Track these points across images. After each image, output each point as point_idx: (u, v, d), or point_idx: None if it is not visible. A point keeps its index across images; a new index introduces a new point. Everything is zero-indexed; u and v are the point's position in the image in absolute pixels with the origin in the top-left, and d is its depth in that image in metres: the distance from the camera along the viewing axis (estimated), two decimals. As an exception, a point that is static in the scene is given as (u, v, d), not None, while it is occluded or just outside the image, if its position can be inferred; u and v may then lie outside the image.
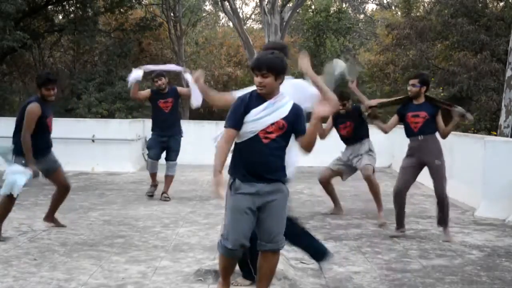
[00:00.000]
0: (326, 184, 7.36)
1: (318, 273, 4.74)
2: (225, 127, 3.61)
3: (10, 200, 5.63)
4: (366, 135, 7.24)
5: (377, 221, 6.78)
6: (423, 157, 6.05)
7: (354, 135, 7.17)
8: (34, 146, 5.66)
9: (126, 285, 4.31)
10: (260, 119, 3.55)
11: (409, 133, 6.19)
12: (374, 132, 6.79)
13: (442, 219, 6.09)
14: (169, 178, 8.27)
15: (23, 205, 7.34)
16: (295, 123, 3.60)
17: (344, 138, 7.32)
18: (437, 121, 6.17)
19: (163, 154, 8.32)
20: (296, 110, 3.62)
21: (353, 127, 7.15)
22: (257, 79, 3.58)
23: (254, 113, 3.56)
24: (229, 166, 3.70)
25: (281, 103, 3.60)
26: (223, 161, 3.57)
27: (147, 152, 8.74)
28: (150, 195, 8.29)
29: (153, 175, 8.34)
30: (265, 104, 3.58)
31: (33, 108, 5.67)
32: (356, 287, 4.42)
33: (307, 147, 3.61)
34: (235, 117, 3.59)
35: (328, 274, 4.70)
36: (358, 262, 5.10)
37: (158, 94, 8.18)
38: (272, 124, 3.56)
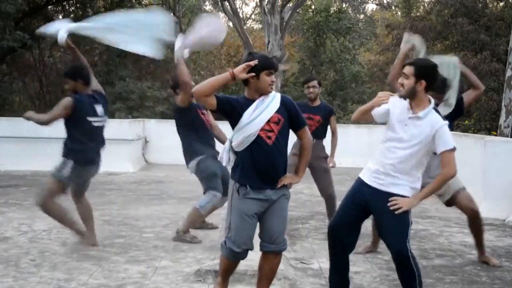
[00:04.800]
0: None
1: (318, 273, 4.74)
2: None
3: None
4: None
5: None
6: (311, 161, 5.43)
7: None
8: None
9: (126, 285, 4.31)
10: (256, 118, 3.56)
11: None
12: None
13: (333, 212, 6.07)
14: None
15: (23, 205, 7.34)
16: (291, 117, 3.65)
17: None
18: (330, 121, 6.27)
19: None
20: (285, 101, 3.66)
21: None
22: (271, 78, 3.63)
23: (248, 115, 3.57)
24: (233, 173, 3.69)
25: (269, 98, 3.62)
26: (210, 80, 3.55)
27: (146, 152, 8.45)
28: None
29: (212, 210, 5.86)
30: (255, 103, 3.60)
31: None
32: (356, 287, 4.42)
33: (308, 144, 3.82)
34: (226, 98, 3.63)
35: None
36: (358, 262, 5.09)
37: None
38: (269, 121, 3.57)
